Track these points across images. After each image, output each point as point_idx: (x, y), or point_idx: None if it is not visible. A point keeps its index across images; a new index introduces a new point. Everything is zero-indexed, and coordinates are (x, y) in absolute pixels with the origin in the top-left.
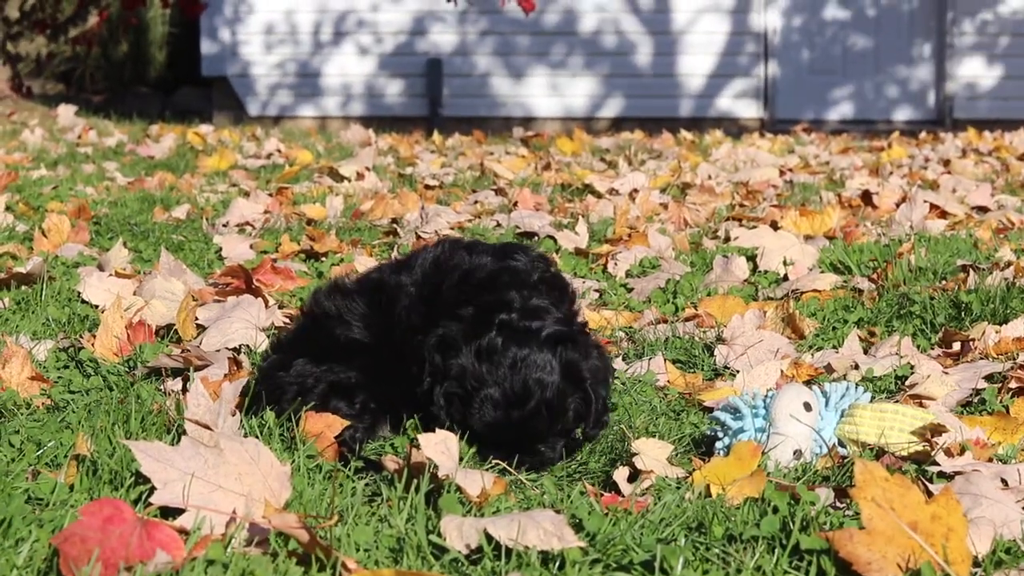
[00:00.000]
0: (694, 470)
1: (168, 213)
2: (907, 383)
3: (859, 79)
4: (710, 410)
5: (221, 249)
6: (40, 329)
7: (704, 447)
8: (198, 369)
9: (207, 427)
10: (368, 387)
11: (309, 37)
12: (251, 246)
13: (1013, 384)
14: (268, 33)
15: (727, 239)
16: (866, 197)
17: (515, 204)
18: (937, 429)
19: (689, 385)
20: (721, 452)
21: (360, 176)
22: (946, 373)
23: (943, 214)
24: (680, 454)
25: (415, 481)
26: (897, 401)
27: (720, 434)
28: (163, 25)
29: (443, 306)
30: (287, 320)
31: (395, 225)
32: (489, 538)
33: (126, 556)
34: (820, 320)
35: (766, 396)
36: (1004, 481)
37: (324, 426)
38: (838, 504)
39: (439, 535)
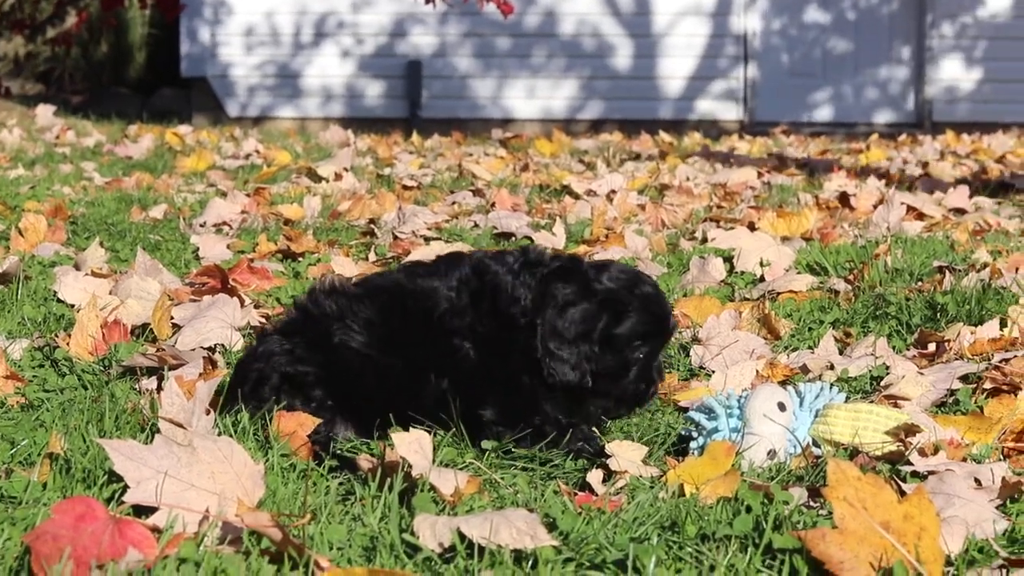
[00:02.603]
0: (668, 470)
1: (145, 213)
2: (882, 383)
3: (838, 82)
4: (685, 410)
5: (198, 249)
6: (16, 328)
7: (679, 447)
8: (173, 368)
9: (181, 426)
10: (327, 383)
11: (289, 38)
12: (228, 246)
13: (987, 384)
14: (248, 34)
15: (704, 240)
16: (844, 199)
17: (493, 205)
18: (911, 429)
19: (664, 385)
20: (696, 452)
21: (338, 177)
22: (921, 374)
23: (920, 216)
24: (654, 452)
25: (389, 480)
26: (872, 401)
27: (694, 434)
28: (143, 26)
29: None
30: (263, 320)
31: (373, 225)
32: (462, 537)
33: (98, 554)
34: (796, 321)
35: (740, 396)
36: (977, 481)
37: (296, 425)
38: (811, 504)
39: (412, 534)
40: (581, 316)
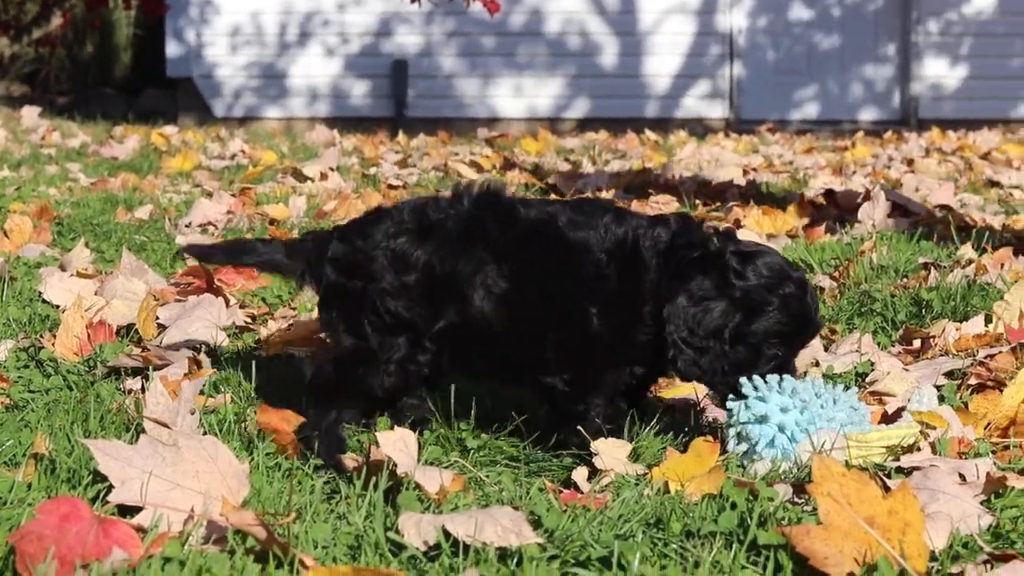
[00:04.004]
0: (652, 465)
1: (131, 214)
2: (867, 380)
3: (824, 79)
4: (670, 407)
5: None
6: (1, 329)
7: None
8: (158, 368)
9: (166, 425)
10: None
11: (275, 38)
12: None
13: (972, 380)
14: (234, 35)
15: None
16: (829, 196)
17: None
18: (930, 423)
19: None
20: (730, 442)
21: (324, 176)
22: (906, 370)
23: (906, 213)
24: (639, 447)
25: (374, 479)
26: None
27: (739, 419)
28: (128, 27)
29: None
30: (248, 320)
31: None
32: (447, 535)
33: (83, 554)
34: None
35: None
36: (962, 476)
37: (280, 420)
38: (796, 500)
39: (397, 532)
40: (719, 312)
